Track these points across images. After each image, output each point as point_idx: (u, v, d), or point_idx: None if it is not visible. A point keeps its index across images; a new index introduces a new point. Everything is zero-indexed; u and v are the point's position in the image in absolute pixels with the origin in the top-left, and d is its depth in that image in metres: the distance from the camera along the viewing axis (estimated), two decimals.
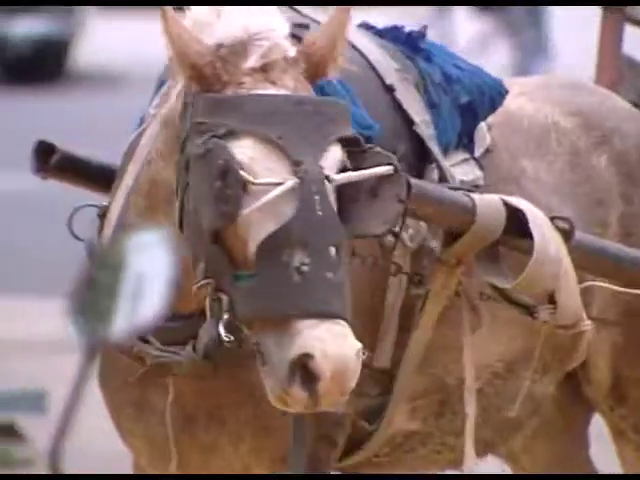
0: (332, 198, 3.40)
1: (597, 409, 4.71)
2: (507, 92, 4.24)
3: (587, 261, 4.15)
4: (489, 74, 4.30)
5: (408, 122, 4.07)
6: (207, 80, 3.46)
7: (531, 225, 3.90)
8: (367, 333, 3.91)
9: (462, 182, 4.10)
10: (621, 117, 4.67)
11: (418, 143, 4.07)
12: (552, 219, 3.98)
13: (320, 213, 3.31)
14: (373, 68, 4.07)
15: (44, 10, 32.79)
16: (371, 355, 3.83)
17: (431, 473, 4.08)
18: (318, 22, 3.97)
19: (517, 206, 3.96)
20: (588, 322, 4.07)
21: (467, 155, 4.20)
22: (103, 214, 3.77)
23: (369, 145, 3.53)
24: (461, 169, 4.14)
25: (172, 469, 3.98)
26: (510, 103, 4.33)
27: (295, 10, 4.07)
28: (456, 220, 3.95)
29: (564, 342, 4.21)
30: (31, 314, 10.68)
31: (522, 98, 4.49)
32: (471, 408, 4.05)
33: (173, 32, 3.42)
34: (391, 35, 4.23)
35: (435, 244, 4.02)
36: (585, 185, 4.44)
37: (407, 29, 4.26)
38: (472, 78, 4.24)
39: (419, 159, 4.07)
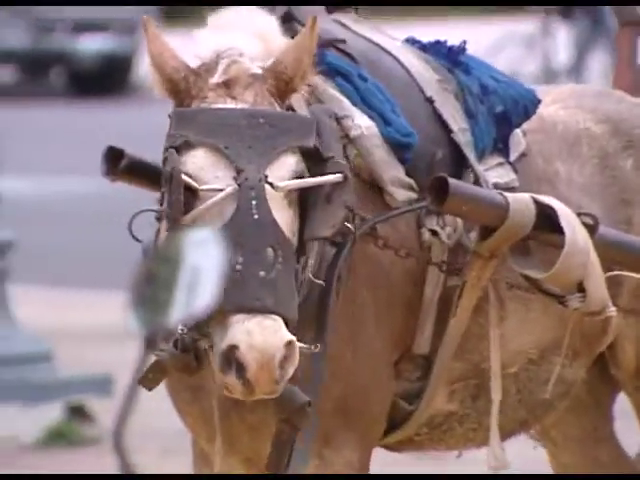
0: (276, 203, 3.52)
1: (623, 389, 4.72)
2: (540, 101, 4.30)
3: (612, 253, 4.19)
4: (523, 84, 4.37)
5: (447, 130, 4.11)
6: (180, 94, 3.66)
7: (561, 220, 3.95)
8: (406, 322, 4.03)
9: (496, 184, 4.15)
10: None
11: (456, 149, 4.12)
12: (578, 215, 4.02)
13: (256, 217, 3.46)
14: (415, 80, 4.14)
15: (110, 28, 33.29)
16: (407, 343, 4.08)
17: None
18: (359, 34, 4.20)
19: (547, 203, 4.01)
20: (614, 308, 4.09)
21: (502, 159, 4.24)
22: (160, 217, 3.82)
23: (328, 155, 3.66)
24: (496, 172, 4.19)
25: (218, 447, 4.00)
26: (544, 111, 4.37)
27: (340, 23, 4.19)
28: (490, 216, 3.99)
29: (592, 328, 4.23)
30: (101, 305, 10.73)
31: (555, 106, 4.52)
32: (496, 394, 4.11)
33: (154, 48, 3.62)
34: (434, 50, 4.30)
35: (470, 240, 4.08)
36: (612, 186, 4.47)
37: (449, 44, 4.32)
38: (507, 89, 4.30)
39: (456, 164, 4.12)
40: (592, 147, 4.49)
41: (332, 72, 4.01)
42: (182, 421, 4.22)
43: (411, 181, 4.03)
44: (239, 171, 3.50)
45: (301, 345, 3.49)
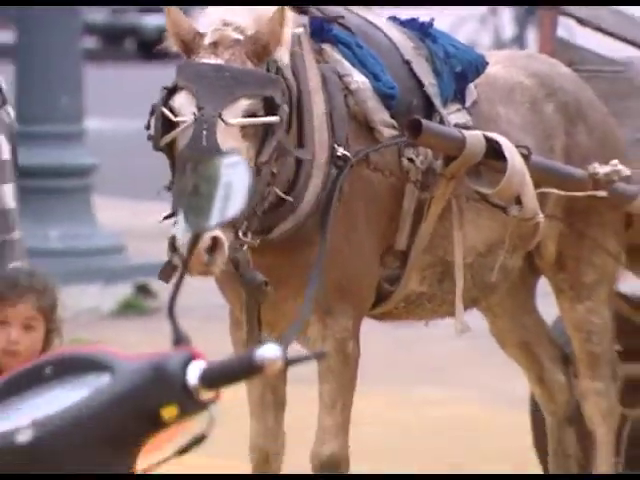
0: (229, 135, 3.68)
1: (544, 274, 4.78)
2: (487, 63, 4.36)
3: (540, 175, 4.25)
4: (475, 51, 4.56)
5: (420, 84, 4.20)
6: (188, 50, 3.82)
7: (504, 151, 4.01)
8: (389, 225, 4.09)
9: (456, 124, 4.20)
10: (564, 79, 4.75)
11: (426, 99, 4.21)
12: (516, 146, 4.09)
13: (205, 144, 3.63)
14: (396, 47, 4.25)
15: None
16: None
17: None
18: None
19: (493, 138, 4.10)
20: (542, 215, 4.16)
21: (460, 106, 4.30)
22: None
23: (279, 104, 3.74)
24: (455, 115, 4.25)
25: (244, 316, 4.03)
26: (489, 70, 4.43)
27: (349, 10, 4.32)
28: (452, 148, 4.07)
29: (526, 230, 4.27)
30: (164, 212, 10.72)
31: (497, 66, 4.57)
32: (460, 280, 4.15)
33: (172, 18, 3.84)
34: (410, 25, 4.43)
35: (437, 165, 4.11)
36: (539, 124, 4.50)
37: (421, 21, 4.45)
38: (464, 54, 4.38)
39: (427, 109, 4.19)
40: (524, 95, 4.55)
41: (336, 41, 4.09)
42: (222, 295, 4.24)
43: (394, 122, 4.06)
44: (200, 108, 3.66)
45: (244, 239, 3.64)
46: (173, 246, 3.51)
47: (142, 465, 1.53)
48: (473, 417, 6.13)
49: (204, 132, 3.63)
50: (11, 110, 3.76)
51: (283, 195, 3.81)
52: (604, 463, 4.48)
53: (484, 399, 6.34)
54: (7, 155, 3.56)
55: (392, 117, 4.07)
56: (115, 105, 8.74)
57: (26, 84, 7.92)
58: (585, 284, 4.54)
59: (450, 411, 6.27)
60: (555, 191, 4.28)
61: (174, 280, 2.02)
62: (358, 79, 4.05)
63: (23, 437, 1.46)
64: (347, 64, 4.07)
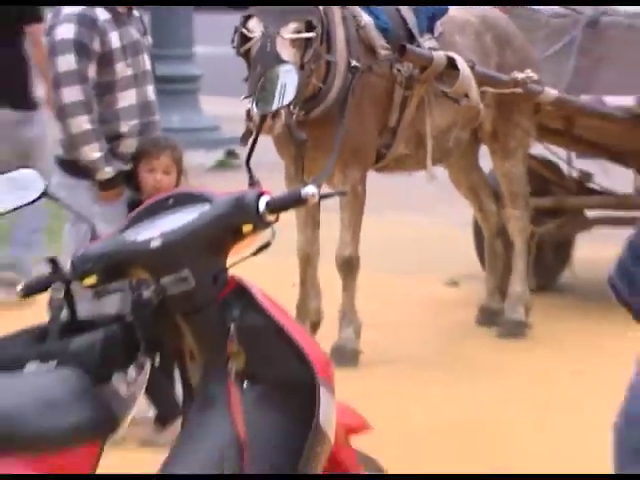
0: (284, 46, 3.97)
1: (484, 143, 5.07)
2: (448, 9, 4.65)
3: (481, 80, 4.51)
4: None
5: (405, 22, 4.51)
6: None
7: (458, 64, 4.38)
8: (385, 112, 4.43)
9: (429, 48, 4.47)
10: (498, 18, 4.95)
11: (410, 32, 4.49)
12: (466, 61, 4.40)
13: (268, 50, 3.94)
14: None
15: None
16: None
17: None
18: None
19: (452, 56, 4.42)
20: (482, 105, 4.46)
21: (431, 36, 4.57)
22: None
23: (315, 25, 4.03)
24: (428, 43, 4.50)
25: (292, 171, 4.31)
26: (451, 13, 4.69)
27: None
28: (425, 62, 4.40)
29: (472, 115, 4.56)
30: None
31: (456, 11, 4.79)
32: (429, 146, 4.47)
33: None
34: None
35: (416, 73, 4.39)
36: (481, 48, 4.74)
37: None
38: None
39: (409, 38, 4.46)
40: (471, 29, 4.77)
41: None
42: (279, 154, 4.46)
43: (388, 46, 4.39)
44: (265, 27, 4.00)
45: (293, 111, 3.83)
46: (249, 116, 3.72)
47: (230, 262, 1.61)
48: (432, 233, 6.26)
49: (268, 43, 3.96)
50: (149, 37, 3.80)
51: (320, 85, 4.14)
52: (520, 261, 4.83)
53: (442, 222, 6.49)
54: (149, 67, 3.59)
55: (387, 43, 4.41)
56: (215, 36, 8.64)
57: (156, 20, 8.22)
58: (509, 149, 4.85)
59: (413, 230, 6.34)
60: (490, 89, 4.61)
61: (250, 142, 1.86)
62: (366, 19, 4.40)
63: (155, 243, 1.55)
64: (359, 10, 4.42)
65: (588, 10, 5.16)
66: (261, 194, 1.58)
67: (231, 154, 8.60)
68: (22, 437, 1.47)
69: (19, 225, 4.94)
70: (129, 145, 3.44)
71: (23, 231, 4.96)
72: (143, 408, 2.96)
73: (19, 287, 1.70)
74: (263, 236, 1.63)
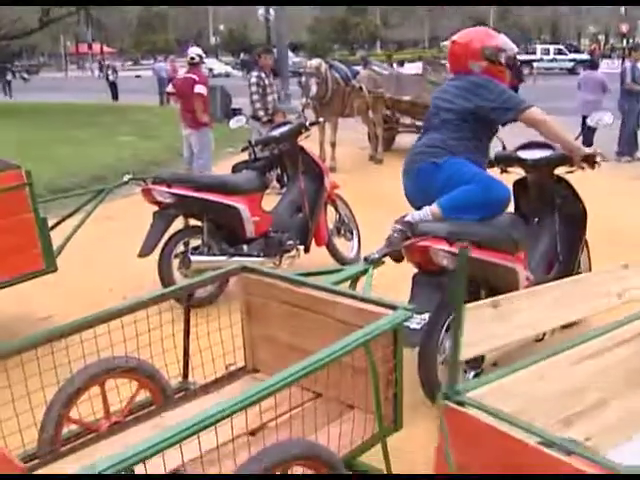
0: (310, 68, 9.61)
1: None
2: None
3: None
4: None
5: (348, 75, 9.77)
6: None
7: (364, 88, 8.81)
8: (343, 103, 9.57)
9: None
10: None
11: (348, 77, 9.93)
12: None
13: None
14: None
15: None
16: None
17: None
18: None
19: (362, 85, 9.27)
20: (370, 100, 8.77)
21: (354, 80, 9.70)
22: None
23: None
24: (354, 81, 9.86)
25: None
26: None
27: None
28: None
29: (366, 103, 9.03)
30: None
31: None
32: (369, 110, 9.08)
33: None
34: None
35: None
36: (374, 82, 10.23)
37: None
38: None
39: (348, 80, 9.89)
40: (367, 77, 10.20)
41: None
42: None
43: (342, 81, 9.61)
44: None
45: None
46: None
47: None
48: None
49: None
50: None
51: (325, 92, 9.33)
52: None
53: None
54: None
55: (342, 79, 10.11)
56: None
57: None
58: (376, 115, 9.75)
59: None
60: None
61: None
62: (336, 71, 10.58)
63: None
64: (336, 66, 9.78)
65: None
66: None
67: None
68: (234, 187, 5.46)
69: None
70: None
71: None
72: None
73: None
74: None
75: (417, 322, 3.27)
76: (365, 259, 2.92)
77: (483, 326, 2.11)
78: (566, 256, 4.25)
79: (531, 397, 1.99)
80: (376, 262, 2.89)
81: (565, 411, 2.12)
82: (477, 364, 3.54)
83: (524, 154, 4.11)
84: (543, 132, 3.89)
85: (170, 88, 8.69)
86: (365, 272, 2.83)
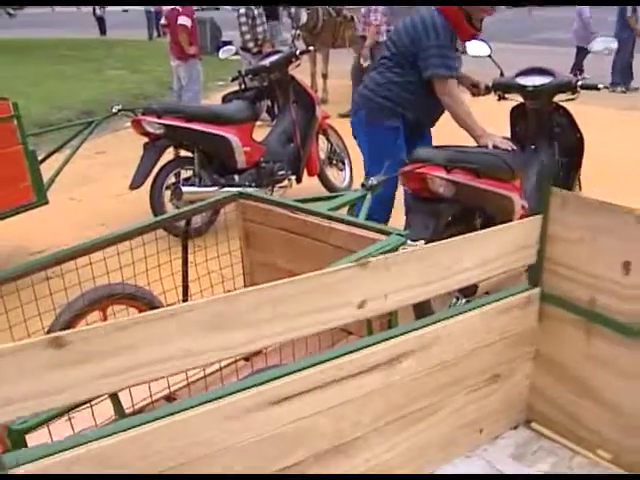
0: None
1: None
2: None
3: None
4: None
5: None
6: None
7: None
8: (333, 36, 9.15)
9: None
10: None
11: None
12: None
13: None
14: None
15: None
16: None
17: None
18: None
19: None
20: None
21: None
22: None
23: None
24: None
25: None
26: None
27: None
28: None
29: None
30: None
31: None
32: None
33: None
34: None
35: None
36: None
37: None
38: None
39: None
40: None
41: None
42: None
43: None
44: None
45: None
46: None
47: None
48: None
49: None
50: None
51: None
52: None
53: None
54: None
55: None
56: None
57: None
58: None
59: None
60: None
61: None
62: None
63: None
64: None
65: None
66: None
67: None
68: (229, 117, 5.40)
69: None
70: None
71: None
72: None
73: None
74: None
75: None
76: (363, 185, 2.87)
77: None
78: (562, 185, 4.20)
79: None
80: (374, 188, 2.84)
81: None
82: (470, 292, 3.54)
83: (523, 80, 4.01)
84: (446, 108, 3.87)
85: (163, 20, 8.45)
86: (363, 198, 2.78)
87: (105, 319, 2.47)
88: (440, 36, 3.79)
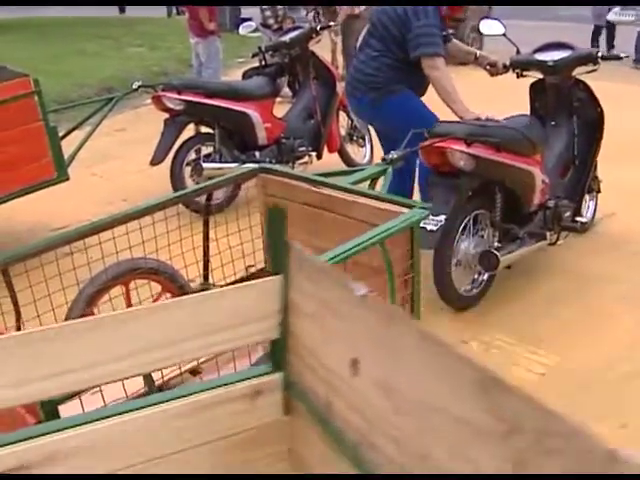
0: None
1: None
2: None
3: None
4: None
5: None
6: None
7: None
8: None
9: None
10: None
11: None
12: None
13: None
14: None
15: None
16: None
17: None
18: None
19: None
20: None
21: None
22: None
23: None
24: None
25: None
26: None
27: None
28: None
29: None
30: None
31: None
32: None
33: None
34: None
35: None
36: None
37: None
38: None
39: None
40: None
41: None
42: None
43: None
44: None
45: None
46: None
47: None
48: None
49: None
50: None
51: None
52: None
53: None
54: None
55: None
56: None
57: None
58: None
59: None
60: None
61: None
62: None
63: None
64: None
65: None
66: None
67: None
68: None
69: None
70: None
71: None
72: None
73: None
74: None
75: (434, 224, 3.23)
76: (383, 159, 2.84)
77: None
78: (582, 160, 4.17)
79: None
80: (395, 162, 2.81)
81: None
82: (491, 266, 3.52)
83: (542, 56, 3.98)
84: (433, 86, 3.93)
85: None
86: (384, 172, 2.75)
87: (127, 293, 2.48)
88: (430, 16, 3.88)
